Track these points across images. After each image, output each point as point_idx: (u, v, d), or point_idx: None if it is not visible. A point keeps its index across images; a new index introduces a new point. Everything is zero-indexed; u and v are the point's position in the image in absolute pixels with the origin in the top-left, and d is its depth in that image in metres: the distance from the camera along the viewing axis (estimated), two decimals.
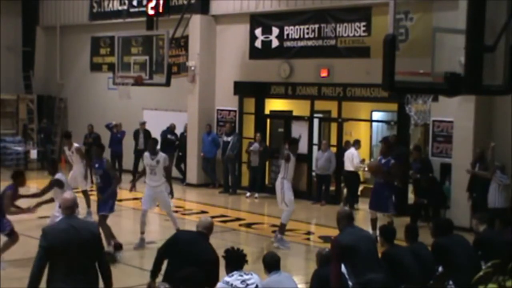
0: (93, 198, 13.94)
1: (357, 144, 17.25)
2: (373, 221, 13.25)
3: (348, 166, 16.91)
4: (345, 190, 17.61)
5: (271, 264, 7.18)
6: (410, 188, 15.61)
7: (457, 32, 6.84)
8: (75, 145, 15.08)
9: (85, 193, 14.92)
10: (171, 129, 20.09)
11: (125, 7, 21.93)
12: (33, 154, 22.54)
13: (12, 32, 25.04)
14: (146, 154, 12.76)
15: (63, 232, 6.20)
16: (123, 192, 19.02)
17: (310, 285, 7.60)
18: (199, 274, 6.36)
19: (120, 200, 17.56)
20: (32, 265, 6.18)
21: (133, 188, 13.42)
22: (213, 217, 15.20)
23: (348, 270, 7.19)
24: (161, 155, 12.64)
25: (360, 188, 18.45)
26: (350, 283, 7.26)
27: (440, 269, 8.01)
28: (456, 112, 14.64)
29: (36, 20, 25.28)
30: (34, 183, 13.29)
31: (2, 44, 24.29)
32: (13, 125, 24.11)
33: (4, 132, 23.49)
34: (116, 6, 22.32)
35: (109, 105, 22.41)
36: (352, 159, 16.82)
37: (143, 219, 12.63)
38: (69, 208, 6.39)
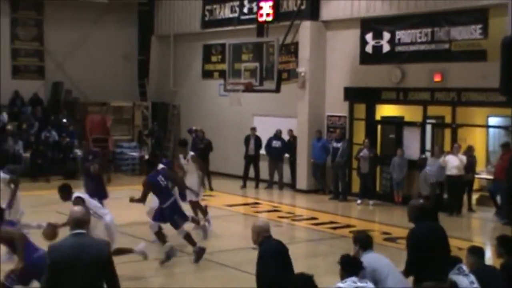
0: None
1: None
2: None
3: (452, 171, 16.38)
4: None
5: (368, 241, 7.26)
6: None
7: None
8: (191, 153, 14.47)
9: (195, 204, 13.94)
10: (277, 135, 20.17)
11: (236, 15, 22.23)
12: None
13: (129, 41, 26.02)
14: None
15: (69, 249, 5.56)
16: (232, 197, 19.31)
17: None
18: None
19: (231, 206, 17.87)
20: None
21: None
22: (322, 223, 15.21)
23: None
24: None
25: (476, 196, 17.80)
26: None
27: None
28: None
29: (151, 30, 26.10)
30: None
31: (119, 53, 25.30)
32: (129, 131, 25.02)
33: (121, 138, 24.42)
34: (227, 14, 22.66)
35: (220, 111, 22.76)
36: (459, 162, 16.32)
37: None
38: (78, 223, 5.70)
